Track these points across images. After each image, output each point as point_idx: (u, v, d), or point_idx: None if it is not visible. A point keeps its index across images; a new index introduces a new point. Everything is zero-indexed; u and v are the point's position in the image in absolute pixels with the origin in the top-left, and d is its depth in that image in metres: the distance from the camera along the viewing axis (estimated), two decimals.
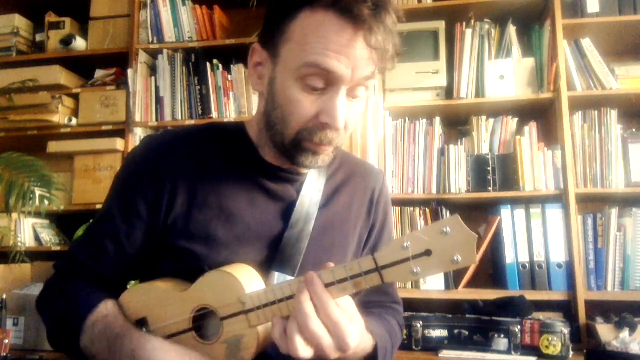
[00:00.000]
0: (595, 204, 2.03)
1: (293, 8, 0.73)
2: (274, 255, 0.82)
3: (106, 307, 0.78)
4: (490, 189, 1.99)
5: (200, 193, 0.82)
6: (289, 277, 0.80)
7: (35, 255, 2.18)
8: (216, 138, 0.87)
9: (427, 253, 0.60)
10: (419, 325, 1.77)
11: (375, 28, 0.69)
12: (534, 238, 1.92)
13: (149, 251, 0.84)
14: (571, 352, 1.66)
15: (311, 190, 0.87)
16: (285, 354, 0.64)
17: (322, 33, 0.70)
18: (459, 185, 2.01)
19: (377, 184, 0.97)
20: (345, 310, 0.65)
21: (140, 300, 0.79)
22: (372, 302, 0.95)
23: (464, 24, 2.11)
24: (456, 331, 1.77)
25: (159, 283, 0.80)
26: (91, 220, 0.89)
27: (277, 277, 0.80)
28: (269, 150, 0.84)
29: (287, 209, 0.85)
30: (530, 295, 1.83)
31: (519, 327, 1.69)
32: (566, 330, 1.66)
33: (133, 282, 0.94)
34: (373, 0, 0.70)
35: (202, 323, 0.75)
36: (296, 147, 0.77)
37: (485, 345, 1.72)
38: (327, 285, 0.64)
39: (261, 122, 0.83)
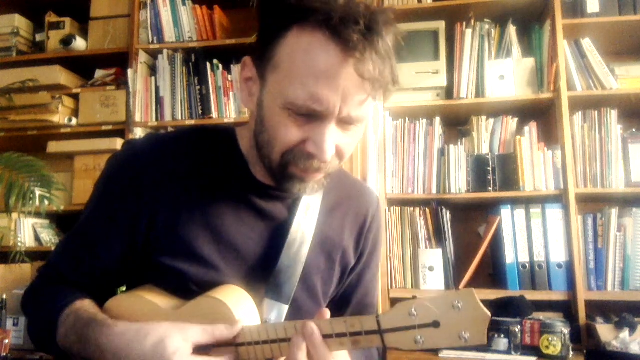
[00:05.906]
0: (595, 204, 2.03)
1: (283, 25, 0.68)
2: (265, 279, 0.78)
3: (82, 303, 0.76)
4: (490, 189, 1.99)
5: (185, 208, 0.77)
6: (283, 306, 0.78)
7: (35, 255, 2.17)
8: (204, 145, 0.82)
9: (435, 324, 0.57)
10: None
11: (367, 55, 0.64)
12: (534, 238, 1.91)
13: (130, 264, 0.81)
14: (571, 352, 1.66)
15: (307, 208, 0.82)
16: None
17: (309, 63, 0.65)
18: (459, 185, 2.01)
19: (371, 208, 0.93)
20: None
21: (127, 311, 0.75)
22: None
23: (464, 24, 2.11)
24: None
25: (147, 295, 0.76)
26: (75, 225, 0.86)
27: (270, 305, 0.78)
28: (259, 168, 0.79)
29: (277, 228, 0.81)
30: (530, 295, 1.83)
31: (519, 327, 1.69)
32: (566, 330, 1.66)
33: (123, 288, 0.90)
34: (365, 22, 0.64)
35: None
36: (283, 172, 0.73)
37: (485, 345, 1.72)
38: (324, 337, 0.63)
39: (252, 139, 0.78)
